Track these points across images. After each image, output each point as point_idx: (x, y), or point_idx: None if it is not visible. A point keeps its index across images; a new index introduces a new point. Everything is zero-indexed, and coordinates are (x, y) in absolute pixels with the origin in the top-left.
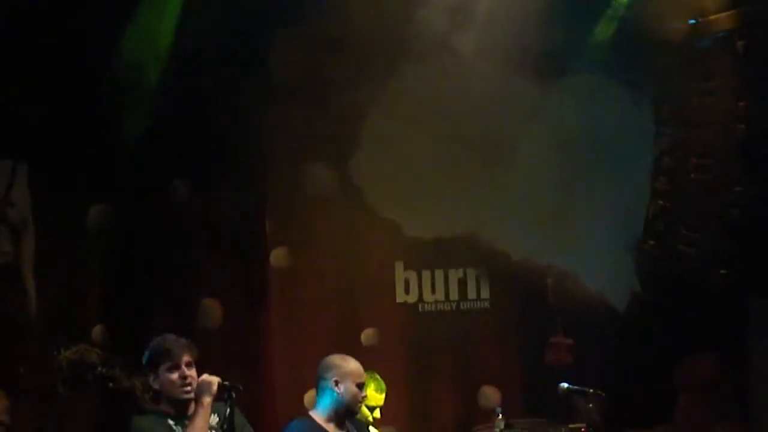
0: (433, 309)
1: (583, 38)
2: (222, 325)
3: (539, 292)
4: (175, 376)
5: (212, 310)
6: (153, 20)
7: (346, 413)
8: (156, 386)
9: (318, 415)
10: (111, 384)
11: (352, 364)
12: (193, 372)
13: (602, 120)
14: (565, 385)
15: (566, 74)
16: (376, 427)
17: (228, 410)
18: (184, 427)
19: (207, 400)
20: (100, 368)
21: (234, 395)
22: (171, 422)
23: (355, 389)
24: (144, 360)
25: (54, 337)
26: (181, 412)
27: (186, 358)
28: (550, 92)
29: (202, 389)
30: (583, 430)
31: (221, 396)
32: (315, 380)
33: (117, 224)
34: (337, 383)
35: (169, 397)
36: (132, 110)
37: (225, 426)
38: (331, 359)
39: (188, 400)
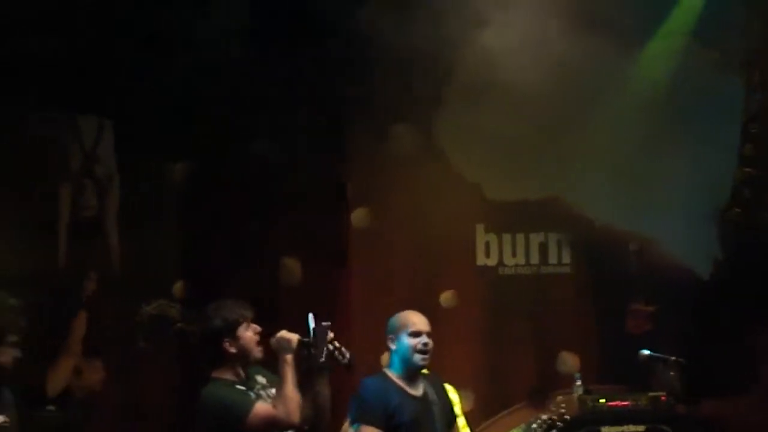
0: (513, 273)
1: None
2: (301, 284)
3: (621, 259)
4: (250, 333)
5: (292, 268)
6: None
7: (411, 367)
8: (233, 350)
9: (391, 372)
10: (192, 339)
11: (402, 317)
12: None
13: (689, 84)
14: (646, 352)
15: (653, 36)
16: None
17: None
18: (251, 388)
19: (288, 357)
20: (180, 324)
21: (313, 351)
22: (241, 387)
23: (407, 340)
24: (216, 328)
25: (136, 292)
26: (243, 377)
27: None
28: (636, 54)
29: (282, 346)
30: (663, 397)
31: (300, 352)
32: None
33: (200, 181)
34: (392, 340)
35: (246, 358)
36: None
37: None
38: (390, 319)
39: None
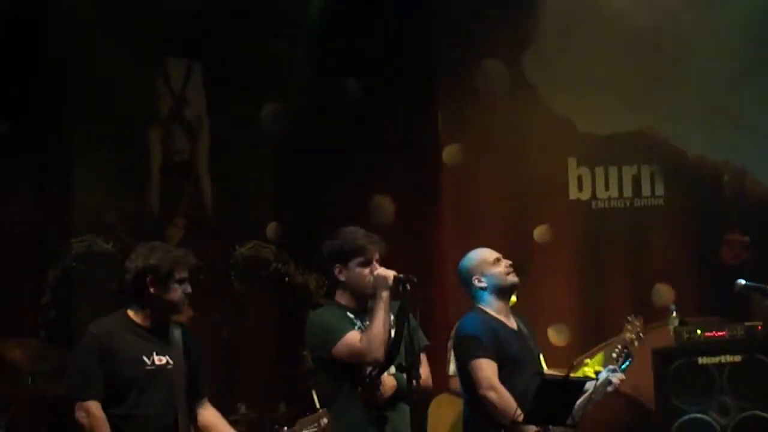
0: (607, 206)
1: None
2: (394, 222)
3: (715, 190)
4: (366, 271)
5: (385, 206)
6: None
7: (506, 293)
8: (342, 278)
9: (485, 306)
10: (287, 278)
11: (475, 256)
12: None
13: None
14: (743, 281)
15: None
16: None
17: (401, 302)
18: (362, 320)
19: (384, 294)
20: (274, 264)
21: (408, 288)
22: (350, 315)
23: (493, 270)
24: (331, 251)
25: (229, 234)
26: (362, 306)
27: (377, 255)
28: None
29: (378, 283)
30: (759, 327)
31: (396, 289)
32: None
33: (290, 122)
34: (478, 279)
35: (355, 290)
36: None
37: (398, 315)
38: (460, 267)
39: (371, 295)
